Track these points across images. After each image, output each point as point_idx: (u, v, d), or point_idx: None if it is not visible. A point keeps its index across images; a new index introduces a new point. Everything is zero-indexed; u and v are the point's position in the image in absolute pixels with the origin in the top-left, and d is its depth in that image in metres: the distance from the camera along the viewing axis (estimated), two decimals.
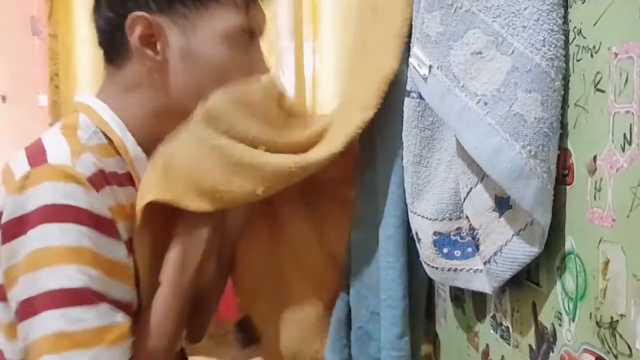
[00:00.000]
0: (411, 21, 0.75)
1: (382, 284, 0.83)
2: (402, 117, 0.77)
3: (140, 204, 0.67)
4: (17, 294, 0.61)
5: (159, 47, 0.69)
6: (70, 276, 0.60)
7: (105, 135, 0.69)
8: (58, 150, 0.64)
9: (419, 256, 0.79)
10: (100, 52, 0.76)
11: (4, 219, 0.62)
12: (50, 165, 0.62)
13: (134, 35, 0.68)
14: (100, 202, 0.63)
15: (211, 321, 0.92)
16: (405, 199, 0.80)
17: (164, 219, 0.71)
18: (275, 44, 1.42)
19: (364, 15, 0.79)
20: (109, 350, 0.60)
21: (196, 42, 0.69)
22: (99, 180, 0.64)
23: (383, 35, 0.76)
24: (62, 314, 0.59)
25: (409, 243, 0.83)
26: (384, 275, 0.83)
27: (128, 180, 0.71)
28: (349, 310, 0.91)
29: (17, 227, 0.61)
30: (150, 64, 0.70)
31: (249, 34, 0.73)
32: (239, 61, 0.72)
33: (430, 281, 0.88)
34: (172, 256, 0.70)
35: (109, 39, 0.72)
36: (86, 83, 1.55)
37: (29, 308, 0.61)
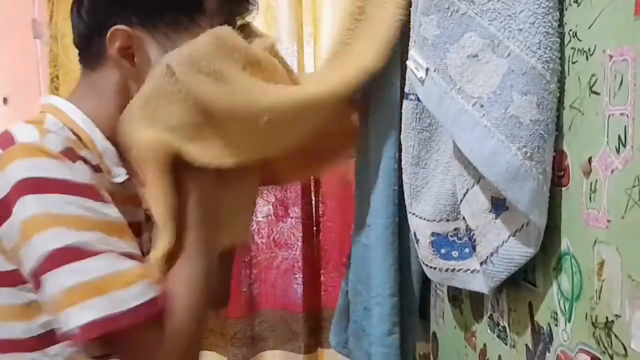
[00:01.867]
0: (401, 24, 0.77)
1: (372, 282, 0.85)
2: (394, 119, 0.78)
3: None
4: (26, 268, 0.63)
5: (136, 59, 0.71)
6: (66, 234, 0.61)
7: (72, 132, 0.70)
8: (26, 132, 0.66)
9: (410, 256, 0.79)
10: None
11: None
12: (20, 143, 0.64)
13: (113, 47, 0.70)
14: (77, 172, 0.64)
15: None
16: (393, 201, 0.81)
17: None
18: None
19: (350, 17, 0.80)
20: (128, 290, 0.61)
21: None
22: (71, 155, 0.65)
23: (369, 36, 0.77)
24: (70, 269, 0.61)
25: (401, 243, 0.84)
26: (374, 273, 0.84)
27: (100, 170, 0.72)
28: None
29: (3, 210, 0.63)
30: (126, 72, 0.71)
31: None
32: None
33: (424, 281, 0.88)
34: (193, 218, 0.70)
35: (86, 43, 0.73)
36: None
37: (39, 272, 0.62)
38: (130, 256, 0.65)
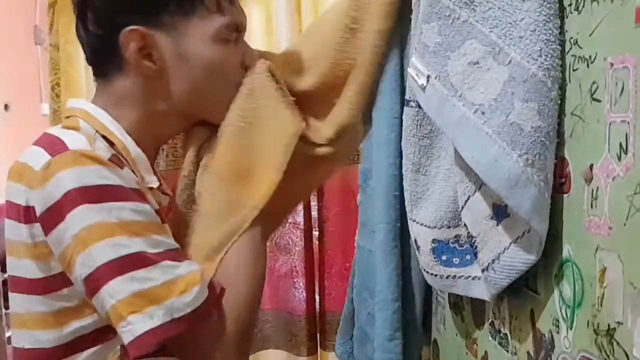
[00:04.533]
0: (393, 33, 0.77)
1: (375, 288, 0.85)
2: (395, 127, 0.78)
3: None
4: (78, 273, 0.64)
5: (155, 56, 0.70)
6: (123, 244, 0.62)
7: (105, 138, 0.70)
8: (75, 139, 0.66)
9: (413, 262, 0.79)
10: None
11: (39, 213, 0.64)
12: (72, 151, 0.64)
13: (130, 50, 0.70)
14: (127, 178, 0.65)
15: None
16: (394, 206, 0.82)
17: None
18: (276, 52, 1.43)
19: (343, 29, 0.80)
20: (181, 298, 0.63)
21: (188, 46, 0.71)
22: (118, 161, 0.66)
23: (369, 49, 0.77)
24: (129, 278, 0.62)
25: (403, 249, 0.84)
26: (377, 278, 0.85)
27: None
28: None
29: (54, 215, 0.63)
30: (149, 74, 0.71)
31: (235, 30, 0.75)
32: (231, 56, 0.75)
33: (427, 287, 0.88)
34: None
35: (100, 56, 0.73)
36: (87, 92, 1.57)
37: (95, 282, 0.63)
38: (180, 252, 0.67)
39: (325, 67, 0.79)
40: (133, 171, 0.69)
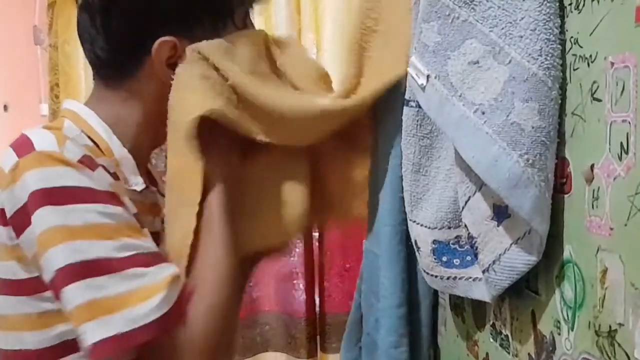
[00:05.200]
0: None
1: (380, 292, 0.84)
2: (398, 126, 0.77)
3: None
4: (45, 276, 0.63)
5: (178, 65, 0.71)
6: (82, 249, 0.61)
7: (90, 138, 0.70)
8: (43, 139, 0.65)
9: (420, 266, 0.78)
10: None
11: (9, 215, 0.64)
12: (38, 152, 0.63)
13: (160, 58, 0.70)
14: (98, 180, 0.64)
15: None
16: (400, 209, 0.81)
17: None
18: None
19: (364, 30, 0.80)
20: (140, 307, 0.61)
21: None
22: (90, 163, 0.65)
23: (390, 45, 0.77)
24: (84, 285, 0.61)
25: (409, 253, 0.83)
26: (381, 283, 0.83)
27: (117, 178, 0.71)
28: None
29: (22, 218, 0.63)
30: (166, 81, 0.71)
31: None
32: None
33: (435, 291, 0.87)
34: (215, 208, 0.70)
35: (116, 58, 0.72)
36: (86, 93, 1.56)
37: (54, 287, 0.62)
38: (156, 256, 0.65)
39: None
40: (115, 173, 0.69)
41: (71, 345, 0.65)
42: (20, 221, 0.63)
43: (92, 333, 0.60)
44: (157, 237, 0.74)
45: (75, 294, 0.61)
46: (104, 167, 0.67)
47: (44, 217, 0.61)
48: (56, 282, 0.62)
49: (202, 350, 0.66)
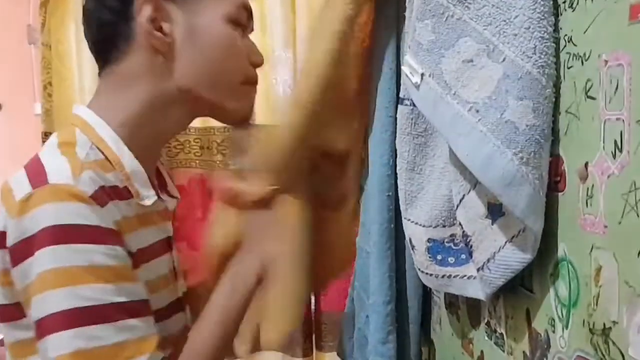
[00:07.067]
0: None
1: (370, 289, 0.84)
2: (387, 126, 0.78)
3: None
4: (33, 313, 0.61)
5: (167, 29, 0.70)
6: (83, 295, 0.60)
7: (100, 151, 0.69)
8: (58, 170, 0.64)
9: (410, 263, 0.79)
10: (92, 61, 0.76)
11: (10, 243, 0.63)
12: (52, 185, 0.62)
13: (142, 16, 0.69)
14: (106, 217, 0.63)
15: None
16: (388, 207, 0.81)
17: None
18: (270, 55, 1.42)
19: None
20: None
21: (200, 23, 0.71)
22: (102, 196, 0.64)
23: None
24: (76, 334, 0.59)
25: (398, 250, 0.83)
26: (371, 280, 0.84)
27: (128, 193, 0.71)
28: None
29: (25, 249, 0.61)
30: (158, 47, 0.70)
31: (246, 13, 0.75)
32: (239, 42, 0.74)
33: (424, 289, 0.88)
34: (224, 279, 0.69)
35: (110, 32, 0.72)
36: (79, 91, 1.56)
37: (45, 327, 0.60)
38: (146, 304, 0.65)
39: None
40: (126, 187, 0.68)
41: None
42: (22, 251, 0.61)
43: None
44: (169, 242, 0.74)
45: (62, 342, 0.59)
46: (113, 189, 0.66)
47: (50, 256, 0.60)
48: (46, 325, 0.60)
49: None
